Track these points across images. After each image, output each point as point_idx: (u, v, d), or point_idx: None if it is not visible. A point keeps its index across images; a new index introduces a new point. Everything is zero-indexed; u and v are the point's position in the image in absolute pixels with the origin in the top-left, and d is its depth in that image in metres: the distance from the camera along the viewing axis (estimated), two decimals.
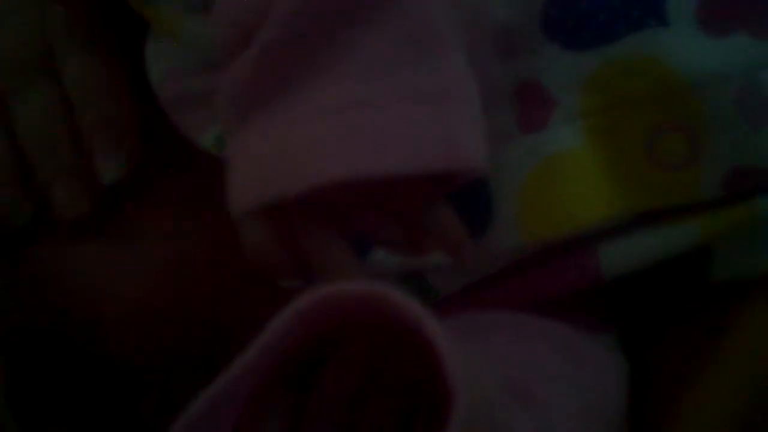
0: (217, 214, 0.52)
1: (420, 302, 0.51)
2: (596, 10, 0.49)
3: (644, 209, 0.49)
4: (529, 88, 0.50)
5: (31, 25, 0.57)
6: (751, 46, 0.49)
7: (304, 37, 0.42)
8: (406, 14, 0.42)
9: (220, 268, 0.55)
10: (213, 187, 0.54)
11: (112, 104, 0.56)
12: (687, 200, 0.49)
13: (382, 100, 0.42)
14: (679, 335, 0.54)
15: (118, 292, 0.55)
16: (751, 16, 0.49)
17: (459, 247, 0.45)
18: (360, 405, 0.43)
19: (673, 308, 0.54)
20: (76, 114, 0.56)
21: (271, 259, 0.44)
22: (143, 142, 0.57)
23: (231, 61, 0.44)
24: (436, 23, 0.43)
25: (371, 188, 0.43)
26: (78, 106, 0.56)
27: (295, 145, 0.42)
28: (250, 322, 0.54)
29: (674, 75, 0.48)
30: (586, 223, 0.49)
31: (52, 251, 0.57)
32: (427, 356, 0.38)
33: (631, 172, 0.49)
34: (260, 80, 0.43)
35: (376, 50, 0.42)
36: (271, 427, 0.42)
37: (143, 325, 0.55)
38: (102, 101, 0.56)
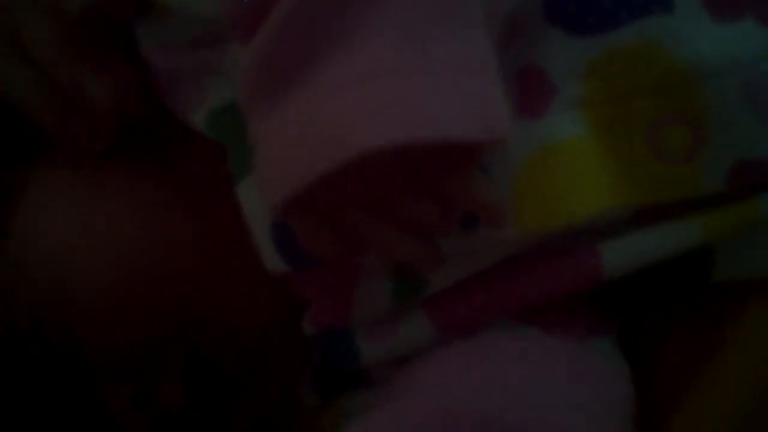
0: (195, 185, 0.53)
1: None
2: None
3: (645, 203, 0.48)
4: (530, 74, 0.49)
5: None
6: (758, 33, 0.47)
7: (330, 4, 0.41)
8: None
9: (197, 245, 0.54)
10: (193, 157, 0.54)
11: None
12: (689, 195, 0.48)
13: (416, 67, 0.40)
14: (680, 336, 0.53)
15: (88, 270, 0.54)
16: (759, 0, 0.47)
17: (498, 211, 0.44)
18: None
19: (674, 309, 0.53)
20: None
21: (325, 245, 0.44)
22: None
23: (243, 37, 0.43)
24: None
25: (402, 164, 0.42)
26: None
27: (335, 116, 0.40)
28: (225, 304, 0.54)
29: (679, 63, 0.47)
30: (583, 216, 0.48)
31: (20, 224, 0.56)
32: None
33: (631, 164, 0.48)
34: (285, 53, 0.41)
35: (406, 18, 0.40)
36: None
37: (114, 309, 0.53)
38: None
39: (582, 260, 0.49)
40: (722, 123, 0.47)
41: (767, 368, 0.50)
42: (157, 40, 0.53)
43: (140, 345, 0.54)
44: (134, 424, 0.54)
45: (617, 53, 0.48)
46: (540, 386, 0.49)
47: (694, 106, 0.47)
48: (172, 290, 0.54)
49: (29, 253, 0.55)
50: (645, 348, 0.53)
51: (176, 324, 0.54)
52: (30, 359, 0.55)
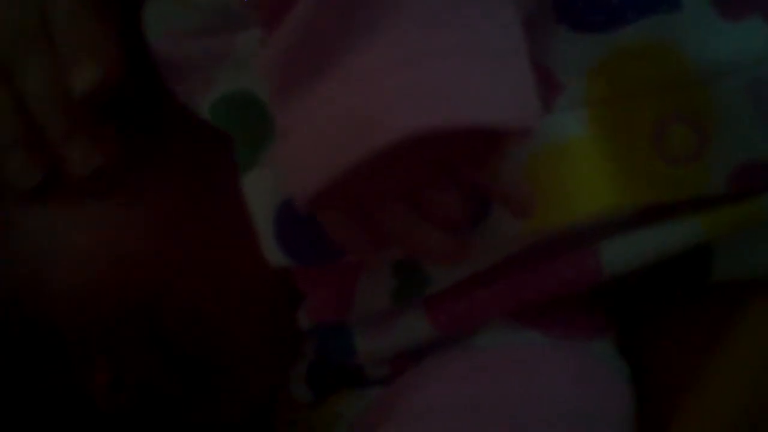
0: (182, 168, 0.53)
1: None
2: None
3: (648, 203, 0.48)
4: (534, 71, 0.48)
5: None
6: (765, 31, 0.47)
7: None
8: None
9: (170, 234, 0.54)
10: (173, 148, 0.54)
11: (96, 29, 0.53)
12: (692, 195, 0.47)
13: (449, 50, 0.40)
14: (680, 336, 0.53)
15: (64, 254, 0.53)
16: None
17: (528, 200, 0.44)
18: None
19: (674, 309, 0.53)
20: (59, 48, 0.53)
21: (350, 236, 0.44)
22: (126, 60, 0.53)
23: (266, 25, 0.42)
24: None
25: (432, 152, 0.42)
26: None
27: (370, 102, 0.39)
28: (199, 288, 0.54)
29: (686, 63, 0.47)
30: (586, 216, 0.48)
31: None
32: None
33: (636, 164, 0.47)
34: (313, 41, 0.41)
35: (436, 2, 0.40)
36: None
37: (90, 292, 0.53)
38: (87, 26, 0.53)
39: (582, 259, 0.49)
40: (726, 124, 0.47)
41: (767, 368, 0.50)
42: (165, 27, 0.52)
43: (118, 327, 0.53)
44: (114, 404, 0.54)
45: (623, 51, 0.47)
46: (541, 397, 0.49)
47: (699, 106, 0.47)
48: (143, 277, 0.53)
49: (11, 241, 0.55)
50: (645, 348, 0.53)
51: (148, 304, 0.54)
52: (12, 343, 0.54)
